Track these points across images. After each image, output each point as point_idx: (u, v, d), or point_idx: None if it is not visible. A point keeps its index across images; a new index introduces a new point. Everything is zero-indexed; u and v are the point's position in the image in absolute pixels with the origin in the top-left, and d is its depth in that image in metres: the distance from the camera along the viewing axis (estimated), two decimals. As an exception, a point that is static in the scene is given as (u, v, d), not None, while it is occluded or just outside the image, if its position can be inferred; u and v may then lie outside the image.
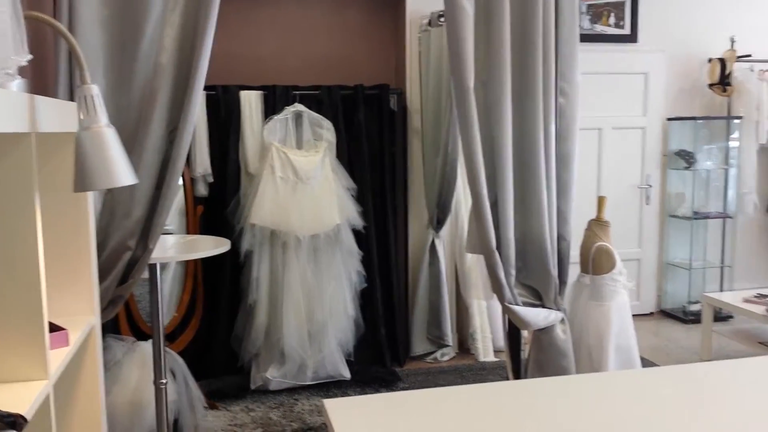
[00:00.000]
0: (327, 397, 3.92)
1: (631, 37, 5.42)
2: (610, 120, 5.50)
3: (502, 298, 2.75)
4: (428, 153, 4.59)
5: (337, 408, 1.57)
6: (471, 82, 2.53)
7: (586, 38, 5.29)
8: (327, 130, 4.18)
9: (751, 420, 1.41)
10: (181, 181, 4.06)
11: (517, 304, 2.75)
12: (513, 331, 2.95)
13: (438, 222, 4.61)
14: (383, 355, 4.44)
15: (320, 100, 4.29)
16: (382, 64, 4.95)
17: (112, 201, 2.35)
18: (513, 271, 2.73)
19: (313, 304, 4.07)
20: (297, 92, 4.25)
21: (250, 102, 4.18)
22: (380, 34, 4.97)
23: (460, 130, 2.62)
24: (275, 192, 3.98)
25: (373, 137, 4.41)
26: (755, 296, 4.51)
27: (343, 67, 4.89)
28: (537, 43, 2.56)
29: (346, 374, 4.16)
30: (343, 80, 4.57)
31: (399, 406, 1.56)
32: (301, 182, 4.03)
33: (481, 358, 4.64)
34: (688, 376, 1.69)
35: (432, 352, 4.70)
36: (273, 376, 4.04)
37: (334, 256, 4.13)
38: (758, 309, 4.24)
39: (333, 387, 4.13)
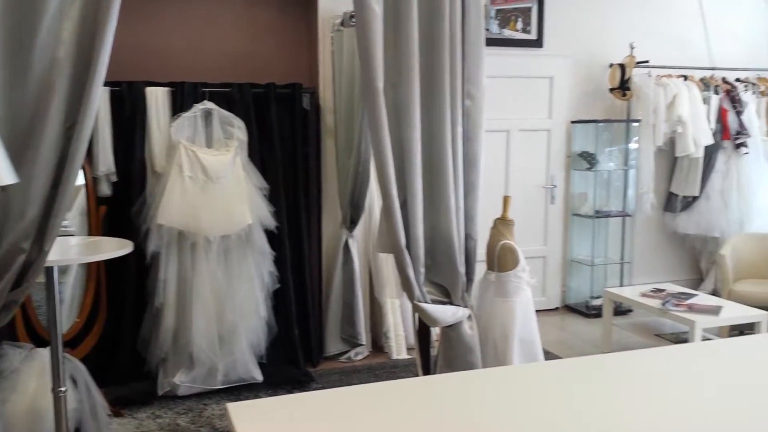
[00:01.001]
0: (238, 401, 3.86)
1: (538, 42, 5.62)
2: (518, 122, 5.68)
3: (411, 296, 2.79)
4: (342, 152, 4.60)
5: (240, 412, 1.55)
6: (380, 83, 2.55)
7: (494, 42, 5.44)
8: (238, 129, 4.11)
9: (645, 408, 1.49)
10: (83, 180, 3.93)
11: (426, 302, 2.80)
12: (422, 328, 3.00)
13: (352, 221, 4.63)
14: (297, 356, 4.41)
15: (231, 97, 4.21)
16: (295, 63, 4.92)
17: (5, 201, 2.23)
18: (422, 270, 2.78)
19: (223, 306, 4.00)
20: (207, 89, 4.16)
21: (157, 98, 4.06)
22: (293, 32, 4.94)
23: (369, 131, 2.64)
24: (183, 191, 3.88)
25: (286, 136, 4.38)
26: (652, 291, 4.76)
27: (255, 65, 4.82)
28: (444, 46, 2.61)
29: (258, 377, 4.11)
30: (255, 78, 4.50)
31: (306, 407, 1.55)
32: (210, 181, 3.95)
33: (395, 356, 4.69)
34: (588, 368, 1.76)
35: (346, 352, 4.71)
36: (181, 380, 3.94)
37: (245, 256, 4.07)
38: (654, 303, 4.47)
39: (245, 390, 4.07)
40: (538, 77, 5.70)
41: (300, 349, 4.43)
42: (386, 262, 4.63)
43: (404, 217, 2.70)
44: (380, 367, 4.53)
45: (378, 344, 4.86)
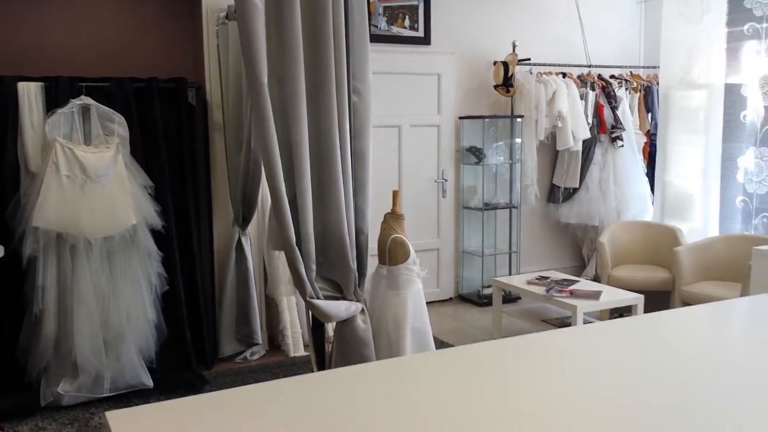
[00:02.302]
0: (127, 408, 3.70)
1: (425, 40, 5.73)
2: (409, 118, 5.77)
3: (303, 293, 2.78)
4: (231, 149, 4.51)
5: (120, 420, 1.48)
6: (264, 77, 2.52)
7: (383, 39, 5.50)
8: (119, 125, 3.94)
9: (530, 388, 1.55)
10: (-55, 182, 3.63)
11: (318, 298, 2.80)
12: (316, 324, 2.99)
13: (244, 219, 4.55)
14: (189, 359, 4.28)
15: (110, 92, 4.02)
16: (180, 57, 4.77)
17: None
18: (313, 266, 2.77)
19: (108, 310, 3.82)
20: (84, 84, 3.94)
21: (29, 94, 3.82)
22: (176, 25, 4.78)
23: (254, 126, 2.61)
24: (61, 192, 3.67)
25: (171, 132, 4.24)
26: (537, 278, 4.98)
27: (136, 59, 4.64)
28: (328, 41, 2.61)
29: (148, 382, 3.96)
30: (137, 73, 4.32)
31: (194, 411, 1.51)
32: (90, 180, 3.76)
33: (292, 354, 4.66)
34: (476, 354, 1.82)
35: (242, 352, 4.63)
36: (65, 390, 3.74)
37: (130, 258, 3.91)
38: (539, 290, 4.68)
39: (134, 397, 3.91)
40: (427, 74, 5.81)
41: (193, 351, 4.31)
42: (280, 260, 4.59)
43: (294, 214, 2.68)
44: (277, 366, 4.48)
45: (275, 343, 4.81)
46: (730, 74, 5.54)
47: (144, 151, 4.10)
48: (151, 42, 4.71)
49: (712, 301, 2.35)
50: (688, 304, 2.46)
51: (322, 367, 3.02)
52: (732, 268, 5.05)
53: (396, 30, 5.60)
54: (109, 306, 3.82)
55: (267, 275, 4.74)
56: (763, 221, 5.36)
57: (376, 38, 5.37)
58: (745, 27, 5.38)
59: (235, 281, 4.60)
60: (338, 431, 1.37)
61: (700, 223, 5.85)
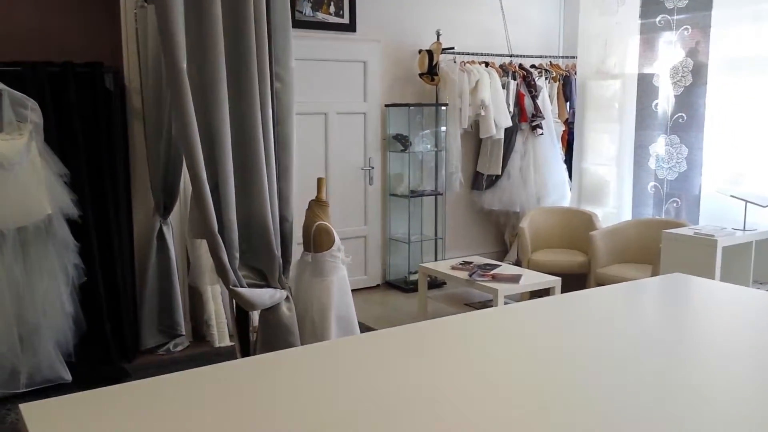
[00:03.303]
0: (44, 404, 3.58)
1: (350, 27, 5.73)
2: (335, 105, 5.77)
3: (227, 282, 2.76)
4: (151, 135, 4.39)
5: (35, 412, 1.45)
6: (183, 63, 2.47)
7: (308, 25, 5.46)
8: (32, 111, 3.77)
9: (453, 371, 1.60)
10: None
11: (242, 286, 2.78)
12: (240, 313, 2.98)
13: (165, 208, 4.45)
14: (110, 352, 4.18)
15: (23, 77, 3.85)
16: (97, 41, 4.60)
17: None
18: (237, 254, 2.75)
19: (23, 304, 3.68)
20: (-7, 68, 3.76)
21: (-69, 77, 3.61)
22: (93, 8, 4.60)
23: (173, 113, 2.55)
24: (-32, 181, 3.50)
25: (88, 119, 4.09)
26: (461, 264, 5.10)
27: (50, 43, 4.44)
28: (249, 27, 2.58)
29: (67, 376, 3.84)
30: (51, 57, 4.14)
31: (110, 402, 1.49)
32: (2, 169, 3.59)
33: (217, 344, 4.60)
34: (399, 337, 1.86)
35: (165, 344, 4.54)
36: (-23, 387, 3.59)
37: (46, 249, 3.76)
38: (463, 275, 4.79)
39: (53, 391, 3.78)
40: (353, 61, 5.82)
41: (113, 344, 4.20)
42: (203, 248, 4.51)
43: (216, 201, 2.65)
44: (202, 357, 4.42)
45: (200, 333, 4.74)
46: (643, 65, 5.79)
47: (59, 138, 3.95)
48: (66, 25, 4.52)
49: (625, 281, 2.47)
50: (604, 285, 2.58)
51: (246, 356, 3.01)
52: (644, 250, 5.31)
53: (321, 16, 5.57)
54: (24, 299, 3.68)
55: (190, 264, 4.66)
56: (674, 206, 5.65)
57: (300, 24, 5.33)
58: (657, 19, 5.62)
59: (157, 271, 4.50)
60: (262, 417, 1.38)
61: (614, 208, 6.11)
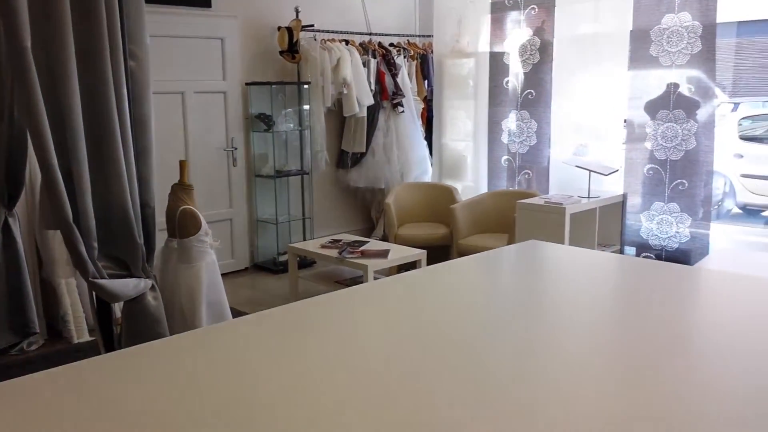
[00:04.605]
0: None
1: (206, 2, 5.53)
2: (192, 84, 5.56)
3: (85, 274, 2.61)
4: (-12, 120, 4.02)
5: None
6: (27, 42, 2.29)
7: (161, 0, 5.21)
8: None
9: (327, 347, 1.62)
10: None
11: (103, 278, 2.64)
12: (102, 305, 2.83)
13: (10, 198, 4.10)
14: (-48, 357, 3.83)
15: None
16: None
17: None
18: (95, 244, 2.61)
19: None
20: None
21: None
22: None
23: (18, 94, 2.36)
24: None
25: None
26: (330, 242, 5.13)
27: None
28: (99, 2, 2.43)
29: None
30: None
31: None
32: None
33: (76, 340, 4.35)
34: (271, 319, 1.85)
35: (17, 344, 4.22)
36: None
37: None
38: (332, 253, 4.83)
39: None
40: (210, 38, 5.63)
41: (-44, 348, 3.85)
42: (56, 240, 4.23)
43: (69, 188, 2.49)
44: (59, 354, 4.16)
45: (56, 330, 4.45)
46: (494, 43, 6.06)
47: None
48: None
49: (484, 250, 2.61)
50: (466, 255, 2.71)
51: (110, 350, 2.88)
52: (500, 220, 5.61)
53: (174, -9, 5.33)
54: None
55: (41, 258, 4.35)
56: (525, 177, 6.00)
57: None
58: None
59: (4, 267, 4.16)
60: (130, 414, 1.33)
61: (472, 182, 6.40)
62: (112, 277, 2.68)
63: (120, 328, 2.86)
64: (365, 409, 1.29)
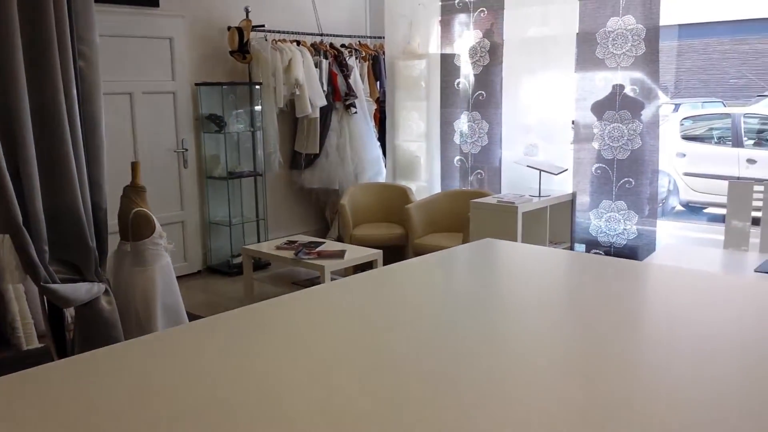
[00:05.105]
0: None
1: (153, 1, 5.44)
2: (141, 84, 5.47)
3: (37, 278, 2.55)
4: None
5: None
6: (-30, 39, 2.22)
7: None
8: None
9: (285, 351, 1.62)
10: None
11: (55, 282, 2.58)
12: (54, 311, 2.77)
13: (-50, 202, 3.96)
14: None
15: None
16: None
17: None
18: (46, 248, 2.55)
19: None
20: None
21: None
22: None
23: (-38, 95, 2.29)
24: None
25: None
26: (285, 243, 5.11)
27: None
28: (48, 2, 2.38)
29: None
30: None
31: None
32: None
33: (25, 347, 4.22)
34: (227, 323, 1.84)
35: (-41, 353, 4.08)
36: None
37: None
38: (288, 254, 4.81)
39: None
40: (157, 38, 5.54)
41: None
42: (4, 244, 4.10)
43: (18, 190, 2.43)
44: (7, 362, 4.03)
45: (4, 337, 4.31)
46: (445, 45, 6.13)
47: None
48: None
49: (439, 250, 2.64)
50: (421, 255, 2.74)
51: (63, 356, 2.81)
52: (454, 220, 5.68)
53: (121, -10, 5.22)
54: None
55: (-14, 264, 4.21)
56: (478, 177, 6.08)
57: (98, -1, 4.95)
58: (456, 1, 5.97)
59: (-54, 274, 4.01)
60: (85, 420, 1.31)
61: (425, 182, 6.46)
62: (64, 281, 2.62)
63: (73, 334, 2.80)
64: (324, 408, 1.31)
